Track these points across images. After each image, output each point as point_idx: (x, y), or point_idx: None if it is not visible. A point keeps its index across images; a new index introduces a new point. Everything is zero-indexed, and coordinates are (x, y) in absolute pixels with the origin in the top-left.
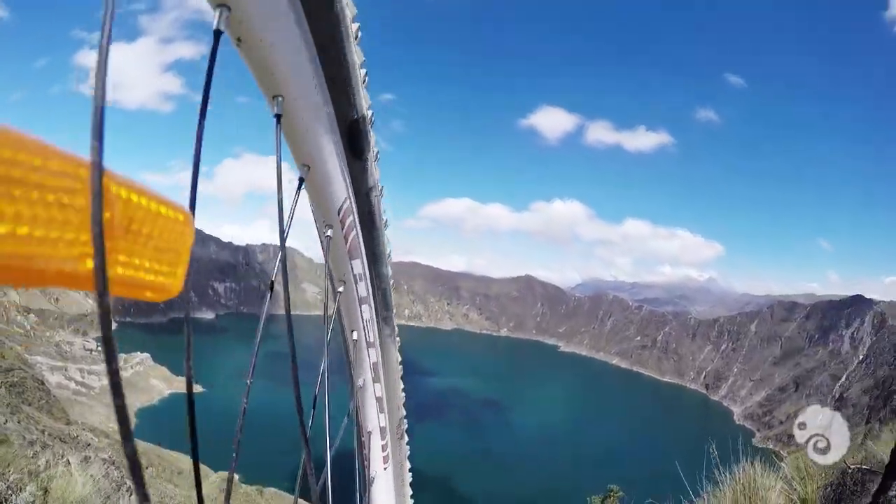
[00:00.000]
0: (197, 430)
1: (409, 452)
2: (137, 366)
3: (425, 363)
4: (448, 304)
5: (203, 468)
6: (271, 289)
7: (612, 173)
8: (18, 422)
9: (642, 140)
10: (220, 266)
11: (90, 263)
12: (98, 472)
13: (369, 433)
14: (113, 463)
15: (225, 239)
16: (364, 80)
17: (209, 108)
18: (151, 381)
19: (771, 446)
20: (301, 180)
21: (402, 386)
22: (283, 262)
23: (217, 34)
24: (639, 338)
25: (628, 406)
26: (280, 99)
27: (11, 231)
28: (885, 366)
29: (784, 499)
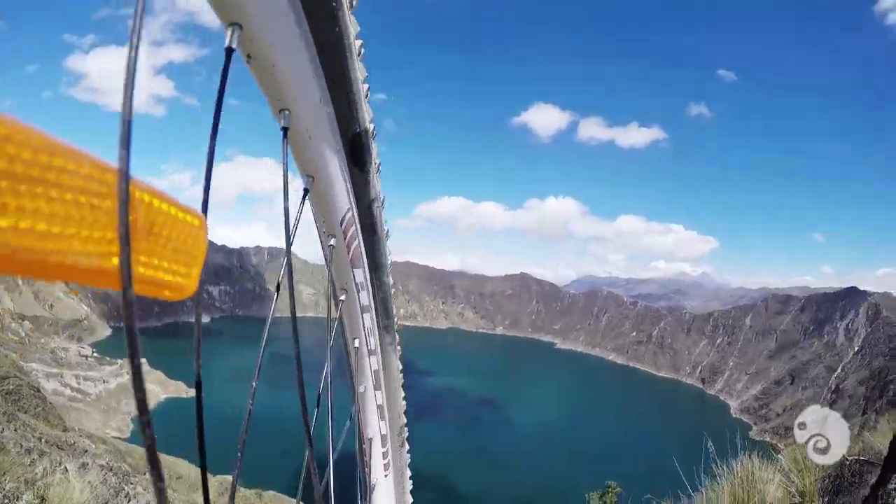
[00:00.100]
0: (204, 429)
1: (409, 460)
2: None
3: (421, 363)
4: (443, 303)
5: None
6: (278, 290)
7: (606, 170)
8: (15, 430)
9: (635, 136)
10: (215, 269)
11: (115, 261)
12: (96, 479)
13: (370, 440)
14: (111, 469)
15: (218, 242)
16: (366, 95)
17: (212, 109)
18: (147, 386)
19: (768, 439)
20: (306, 191)
21: (402, 394)
22: (289, 269)
23: (229, 52)
24: (634, 333)
25: (625, 401)
26: (287, 112)
27: (31, 227)
28: (880, 357)
29: (782, 491)
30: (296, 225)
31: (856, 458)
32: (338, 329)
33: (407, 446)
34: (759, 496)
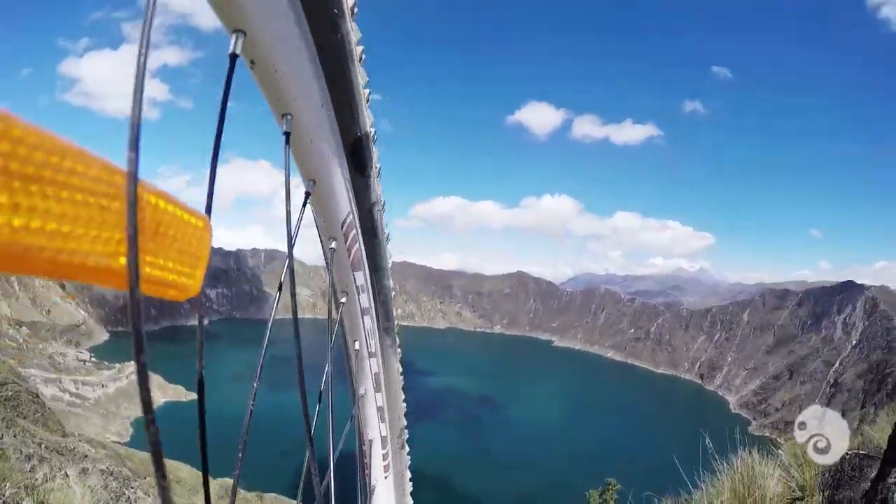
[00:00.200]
0: (201, 430)
1: (409, 462)
2: (132, 375)
3: (420, 363)
4: (441, 302)
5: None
6: (279, 290)
7: (601, 167)
8: (14, 436)
9: (630, 133)
10: (212, 272)
11: (123, 261)
12: (96, 483)
13: (370, 442)
14: (111, 474)
15: (215, 244)
16: (367, 99)
17: (210, 113)
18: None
19: (767, 434)
20: (307, 194)
21: (403, 396)
22: (291, 272)
23: (233, 58)
24: (632, 330)
25: (624, 399)
26: (289, 117)
27: (42, 226)
28: (878, 350)
29: (782, 486)
30: (297, 228)
31: (855, 452)
32: (338, 331)
33: (407, 448)
34: (759, 491)
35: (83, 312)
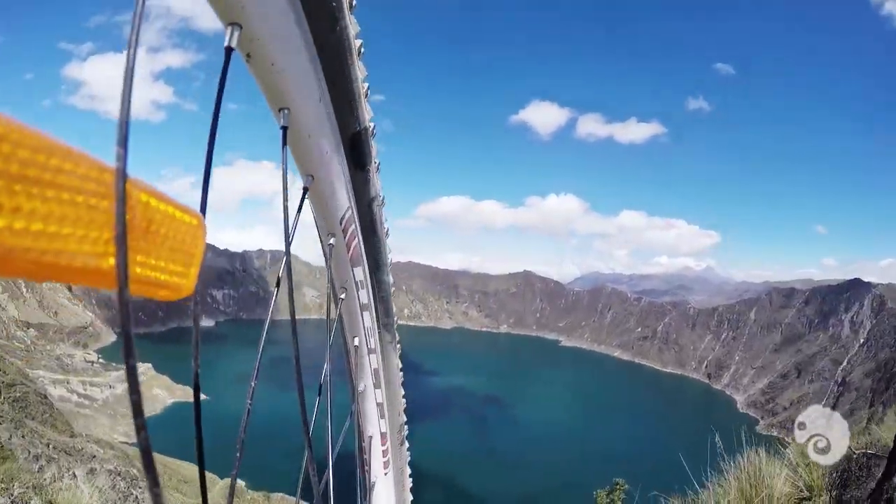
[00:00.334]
0: (202, 431)
1: (409, 458)
2: (140, 376)
3: (426, 362)
4: (447, 302)
5: (209, 475)
6: (278, 285)
7: (606, 166)
8: (23, 436)
9: (634, 131)
10: (218, 273)
11: (112, 261)
12: (104, 484)
13: (370, 438)
14: (119, 474)
15: (221, 246)
16: (366, 94)
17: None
18: (154, 391)
19: (775, 433)
20: (305, 190)
21: (402, 392)
22: (289, 269)
23: (228, 51)
24: (639, 329)
25: (631, 398)
26: (286, 111)
27: (26, 227)
28: (886, 348)
29: (790, 486)
30: (295, 223)
31: (863, 451)
32: (338, 328)
33: (407, 444)
34: (766, 491)
35: (90, 314)
